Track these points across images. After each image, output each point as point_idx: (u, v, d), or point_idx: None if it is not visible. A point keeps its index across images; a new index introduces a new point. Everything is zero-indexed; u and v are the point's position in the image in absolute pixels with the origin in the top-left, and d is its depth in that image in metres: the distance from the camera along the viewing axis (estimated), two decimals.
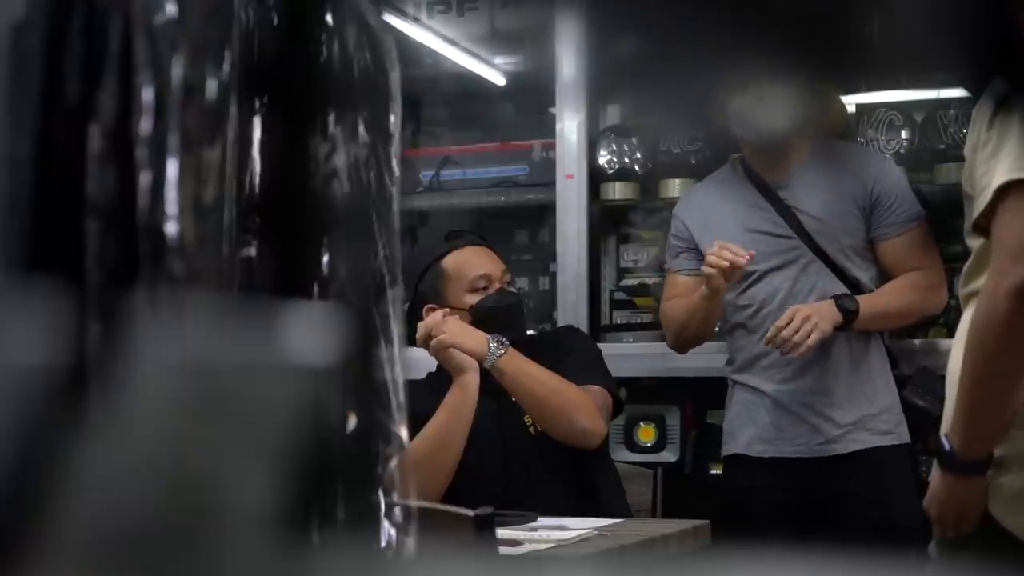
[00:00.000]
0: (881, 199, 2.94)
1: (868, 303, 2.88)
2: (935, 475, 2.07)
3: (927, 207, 3.01)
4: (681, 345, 3.09)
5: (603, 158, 3.73)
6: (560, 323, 3.61)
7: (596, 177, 3.72)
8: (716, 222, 3.02)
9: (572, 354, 2.77)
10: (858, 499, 2.90)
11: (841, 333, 2.90)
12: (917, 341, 3.22)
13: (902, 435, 2.93)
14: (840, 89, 3.17)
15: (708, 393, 3.43)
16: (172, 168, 0.59)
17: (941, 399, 2.85)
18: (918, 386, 2.97)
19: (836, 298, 2.87)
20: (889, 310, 2.92)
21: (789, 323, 2.82)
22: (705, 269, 2.81)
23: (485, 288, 2.72)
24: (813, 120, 3.03)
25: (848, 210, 2.95)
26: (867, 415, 2.91)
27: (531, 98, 4.07)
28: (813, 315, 2.82)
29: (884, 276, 3.02)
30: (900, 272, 2.95)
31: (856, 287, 2.94)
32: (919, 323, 3.11)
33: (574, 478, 2.68)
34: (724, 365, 3.08)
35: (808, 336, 2.80)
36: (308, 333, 0.52)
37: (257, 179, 0.67)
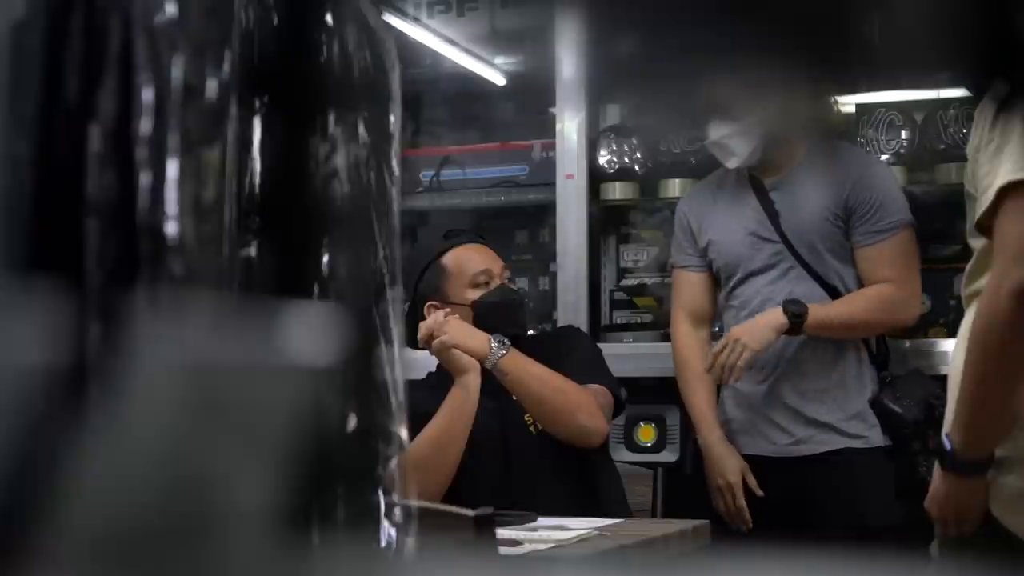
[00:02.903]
0: (858, 207, 2.94)
1: (816, 309, 2.89)
2: (936, 475, 2.07)
3: (918, 211, 3.00)
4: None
5: (603, 158, 3.73)
6: (560, 323, 3.61)
7: (596, 177, 3.72)
8: (714, 219, 3.06)
9: (573, 354, 2.78)
10: (827, 500, 2.92)
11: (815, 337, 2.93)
12: (907, 343, 3.22)
13: (874, 438, 2.94)
14: (840, 89, 3.17)
15: None
16: (172, 168, 0.59)
17: (922, 403, 2.88)
18: (898, 389, 2.97)
19: (784, 303, 2.90)
20: (833, 319, 2.91)
21: (723, 349, 2.88)
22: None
23: (486, 283, 2.73)
24: (809, 121, 3.04)
25: (825, 216, 2.95)
26: (837, 417, 2.93)
27: (531, 98, 4.06)
28: (743, 335, 2.87)
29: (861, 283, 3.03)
30: (871, 282, 2.95)
31: (835, 293, 2.95)
32: (889, 333, 3.10)
33: (575, 478, 2.68)
34: None
35: (739, 357, 2.85)
36: (308, 333, 0.52)
37: (257, 179, 0.67)
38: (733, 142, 2.96)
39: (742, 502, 2.97)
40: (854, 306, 2.93)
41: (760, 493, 2.97)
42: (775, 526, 2.88)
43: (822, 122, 3.12)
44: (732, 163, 3.00)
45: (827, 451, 2.92)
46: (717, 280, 3.10)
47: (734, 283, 3.02)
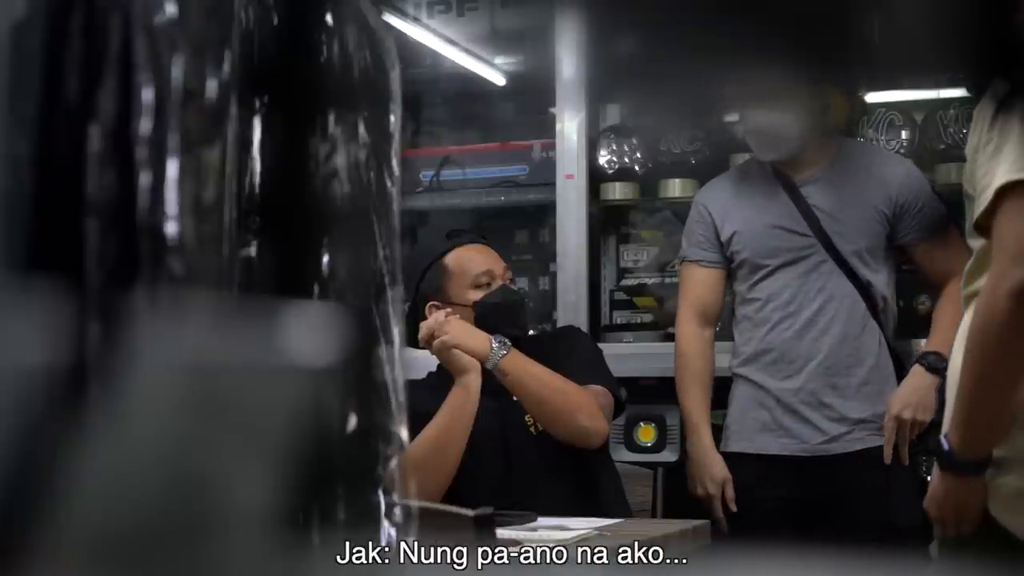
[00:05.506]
0: (909, 204, 2.96)
1: (945, 344, 2.89)
2: (935, 475, 2.07)
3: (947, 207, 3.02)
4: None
5: (603, 158, 3.73)
6: (560, 323, 3.61)
7: (596, 177, 3.72)
8: (737, 211, 3.05)
9: (573, 354, 2.77)
10: (858, 499, 2.91)
11: (843, 331, 2.93)
12: (923, 342, 3.22)
13: None
14: (839, 88, 3.18)
15: None
16: (172, 168, 0.59)
17: (941, 401, 2.87)
18: None
19: (921, 359, 2.92)
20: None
21: (897, 433, 2.90)
22: None
23: (488, 284, 2.73)
24: (817, 119, 3.04)
25: (869, 214, 2.95)
26: (869, 415, 2.92)
27: (531, 98, 4.06)
28: (911, 414, 2.89)
29: (895, 278, 3.03)
30: (942, 275, 2.93)
31: (866, 290, 2.95)
32: None
33: (575, 478, 2.68)
34: (731, 358, 3.09)
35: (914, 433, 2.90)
36: (308, 333, 0.52)
37: (257, 179, 0.67)
38: (773, 133, 2.96)
39: (720, 514, 2.97)
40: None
41: (733, 509, 2.97)
42: (801, 527, 2.87)
43: (828, 119, 3.13)
44: (769, 155, 3.00)
45: (862, 448, 2.92)
46: (732, 275, 3.08)
47: (760, 276, 3.01)
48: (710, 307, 3.10)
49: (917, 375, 2.90)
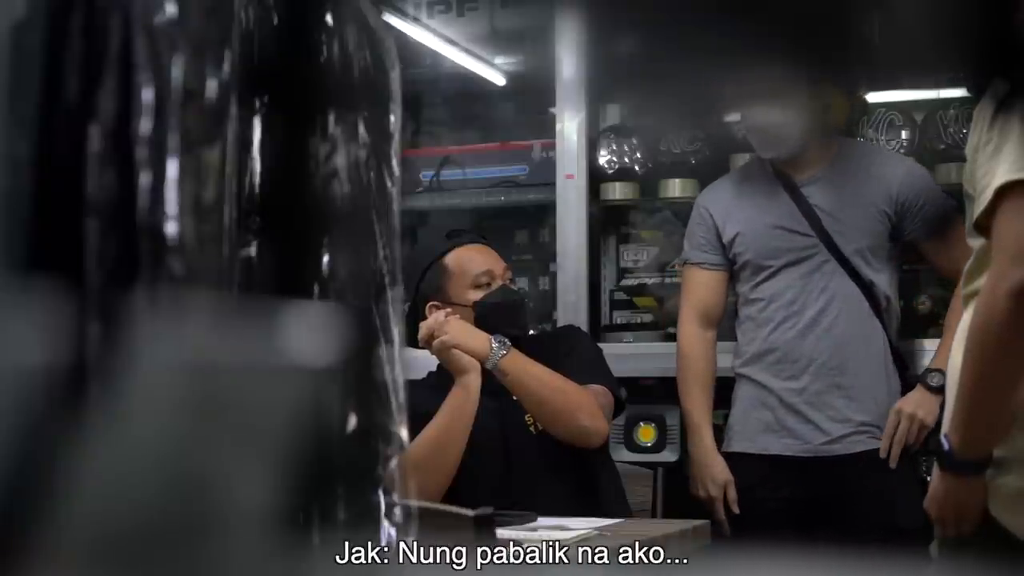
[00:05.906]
0: (911, 202, 2.96)
1: (944, 360, 2.89)
2: (935, 475, 2.07)
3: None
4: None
5: (603, 158, 3.73)
6: (560, 323, 3.61)
7: (596, 177, 3.72)
8: (739, 213, 3.06)
9: (573, 354, 2.78)
10: (860, 500, 2.91)
11: (847, 331, 2.93)
12: (927, 342, 3.22)
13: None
14: (839, 88, 3.18)
15: None
16: (172, 168, 0.59)
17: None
18: None
19: (924, 375, 2.92)
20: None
21: (896, 428, 2.89)
22: None
23: (488, 284, 2.73)
24: (817, 119, 3.04)
25: (870, 213, 2.96)
26: (872, 416, 2.92)
27: (531, 98, 4.06)
28: (917, 412, 2.88)
29: (904, 275, 3.04)
30: (954, 272, 2.91)
31: (869, 289, 2.95)
32: None
33: (575, 477, 2.68)
34: (734, 359, 3.09)
35: (916, 437, 2.89)
36: (308, 333, 0.52)
37: (257, 179, 0.67)
38: (775, 131, 2.96)
39: (722, 516, 2.97)
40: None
41: (735, 511, 2.97)
42: (803, 527, 2.87)
43: (829, 118, 3.13)
44: (771, 153, 3.00)
45: (863, 450, 2.92)
46: (734, 276, 3.08)
47: (763, 276, 3.01)
48: (712, 309, 3.10)
49: (919, 392, 2.93)
